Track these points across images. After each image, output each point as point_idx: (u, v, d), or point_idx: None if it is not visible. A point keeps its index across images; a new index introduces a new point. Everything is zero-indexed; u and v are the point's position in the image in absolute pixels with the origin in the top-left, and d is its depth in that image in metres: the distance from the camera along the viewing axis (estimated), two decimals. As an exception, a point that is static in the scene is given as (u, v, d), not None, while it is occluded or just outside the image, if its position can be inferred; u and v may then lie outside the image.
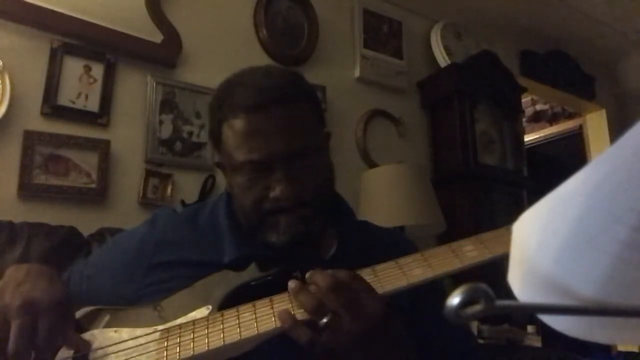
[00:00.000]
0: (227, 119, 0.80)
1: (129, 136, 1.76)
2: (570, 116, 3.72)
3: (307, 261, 0.81)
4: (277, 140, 0.77)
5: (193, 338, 0.68)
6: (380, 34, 2.48)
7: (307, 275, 0.65)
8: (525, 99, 3.45)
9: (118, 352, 0.70)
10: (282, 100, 0.79)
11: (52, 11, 1.65)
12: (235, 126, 0.79)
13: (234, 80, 0.84)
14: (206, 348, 0.66)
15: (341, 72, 2.34)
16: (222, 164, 0.86)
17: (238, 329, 0.66)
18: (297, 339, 0.62)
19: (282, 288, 0.68)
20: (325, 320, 0.60)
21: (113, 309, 0.77)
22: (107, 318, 0.76)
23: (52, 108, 1.63)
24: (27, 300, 0.65)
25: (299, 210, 0.78)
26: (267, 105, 0.77)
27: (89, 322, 0.76)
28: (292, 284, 0.66)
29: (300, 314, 0.65)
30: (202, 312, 0.71)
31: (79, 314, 0.76)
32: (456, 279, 0.64)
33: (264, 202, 0.78)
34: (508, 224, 0.35)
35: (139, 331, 0.72)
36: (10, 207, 1.50)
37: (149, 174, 1.74)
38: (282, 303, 0.67)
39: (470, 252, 0.67)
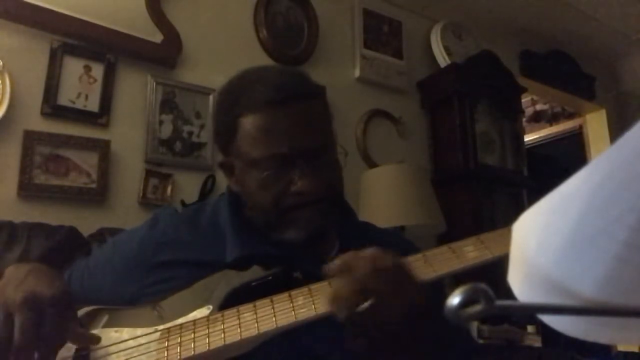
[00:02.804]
0: (245, 114, 0.79)
1: (129, 136, 1.76)
2: (570, 116, 3.72)
3: (309, 261, 0.81)
4: (300, 135, 0.77)
5: (194, 338, 0.68)
6: (380, 34, 2.48)
7: (345, 257, 0.63)
8: (525, 99, 3.45)
9: (119, 351, 0.70)
10: (302, 97, 0.80)
11: (52, 11, 1.65)
12: (255, 121, 0.78)
13: (247, 78, 0.83)
14: (207, 348, 0.66)
15: (341, 72, 2.34)
16: (230, 163, 0.85)
17: (239, 329, 0.66)
18: (336, 314, 0.61)
19: (283, 288, 0.69)
20: (366, 304, 0.59)
21: (112, 311, 0.77)
22: (106, 318, 0.75)
23: (52, 108, 1.63)
24: (31, 294, 0.65)
25: (317, 205, 0.78)
26: (288, 101, 0.78)
27: (88, 321, 0.76)
28: (331, 266, 0.63)
29: (320, 307, 0.64)
30: (202, 312, 0.71)
31: (79, 313, 0.76)
32: (456, 279, 0.64)
33: (284, 198, 0.78)
34: (508, 223, 0.35)
35: (139, 331, 0.72)
36: (10, 207, 1.50)
37: (149, 174, 1.74)
38: (282, 303, 0.67)
39: (470, 252, 0.67)
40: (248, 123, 0.79)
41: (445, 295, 0.25)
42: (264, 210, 0.81)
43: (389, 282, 0.61)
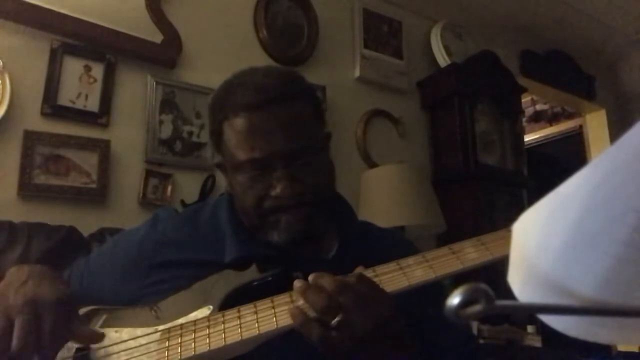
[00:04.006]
0: (228, 118, 0.80)
1: (129, 136, 1.76)
2: (570, 116, 3.72)
3: (308, 261, 0.81)
4: (278, 138, 0.77)
5: (194, 338, 0.68)
6: (380, 34, 2.48)
7: (311, 277, 0.64)
8: (525, 99, 3.45)
9: (119, 352, 0.70)
10: (282, 99, 0.79)
11: (52, 11, 1.65)
12: (236, 125, 0.79)
13: (234, 80, 0.84)
14: (207, 348, 0.66)
15: (341, 72, 2.34)
16: (223, 164, 0.87)
17: (239, 329, 0.66)
18: (308, 336, 0.62)
19: (283, 288, 0.69)
20: (337, 319, 0.60)
21: (110, 310, 0.77)
22: (104, 318, 0.75)
23: (52, 108, 1.63)
24: (30, 298, 0.65)
25: (299, 209, 0.78)
26: (267, 104, 0.78)
27: (86, 322, 0.75)
28: (297, 283, 0.65)
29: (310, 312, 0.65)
30: (203, 312, 0.71)
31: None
32: (456, 279, 0.64)
33: (265, 201, 0.79)
34: (508, 224, 0.35)
35: (139, 331, 0.72)
36: (10, 207, 1.50)
37: (149, 174, 1.74)
38: (283, 303, 0.67)
39: (471, 253, 0.67)
40: (230, 127, 0.80)
41: (445, 296, 0.25)
42: (247, 212, 0.81)
43: (354, 295, 0.61)
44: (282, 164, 0.77)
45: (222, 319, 0.69)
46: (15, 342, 0.62)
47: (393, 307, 0.63)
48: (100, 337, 0.70)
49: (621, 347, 2.72)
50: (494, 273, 0.56)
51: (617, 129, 3.38)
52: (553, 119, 3.85)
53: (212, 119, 0.85)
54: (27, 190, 1.54)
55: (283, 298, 0.68)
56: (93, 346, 0.71)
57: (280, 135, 0.77)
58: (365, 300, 0.62)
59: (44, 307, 0.65)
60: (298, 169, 0.78)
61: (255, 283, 0.73)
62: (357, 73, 2.37)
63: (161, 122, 1.82)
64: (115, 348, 0.71)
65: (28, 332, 0.63)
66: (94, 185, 1.64)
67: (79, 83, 1.69)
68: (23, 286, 0.67)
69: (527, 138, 3.51)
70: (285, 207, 0.78)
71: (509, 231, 0.32)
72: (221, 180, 1.82)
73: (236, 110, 0.79)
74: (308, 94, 0.85)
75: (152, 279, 0.81)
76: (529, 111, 3.86)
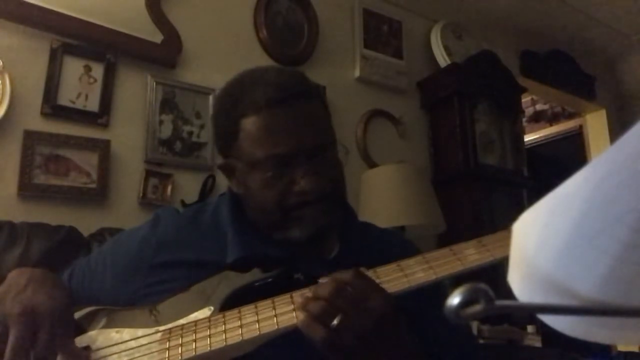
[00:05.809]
0: (247, 115, 0.79)
1: (129, 136, 1.76)
2: (570, 116, 3.72)
3: (309, 262, 0.81)
4: (302, 133, 0.78)
5: (195, 339, 0.68)
6: (380, 34, 2.48)
7: (308, 292, 0.64)
8: (525, 99, 3.45)
9: (120, 352, 0.70)
10: (302, 96, 0.80)
11: (52, 11, 1.65)
12: (257, 122, 0.79)
13: (246, 79, 0.84)
14: (208, 349, 0.66)
15: (341, 72, 2.34)
16: (231, 165, 0.85)
17: (240, 330, 0.66)
18: (311, 337, 0.62)
19: (284, 289, 0.69)
20: (335, 322, 0.60)
21: (110, 312, 0.77)
22: (104, 318, 0.75)
23: (52, 108, 1.63)
24: (27, 309, 0.65)
25: (322, 203, 0.78)
26: (288, 101, 0.78)
27: (87, 323, 0.75)
28: (298, 298, 0.66)
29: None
30: (204, 312, 0.71)
31: (78, 314, 0.76)
32: (456, 279, 0.64)
33: (288, 197, 0.78)
34: (508, 224, 0.35)
35: (140, 331, 0.72)
36: (10, 207, 1.50)
37: (149, 174, 1.74)
38: (284, 304, 0.67)
39: (471, 254, 0.67)
40: (250, 124, 0.79)
41: (445, 296, 0.26)
42: (268, 210, 0.80)
43: (350, 297, 0.62)
44: (305, 159, 0.77)
45: (223, 319, 0.69)
46: (8, 352, 0.62)
47: (390, 302, 0.63)
48: (86, 357, 0.70)
49: (621, 347, 2.72)
50: (494, 273, 0.56)
51: (617, 129, 3.38)
52: (553, 119, 3.84)
53: (223, 119, 0.84)
54: (27, 190, 1.54)
55: (284, 299, 0.68)
56: (94, 346, 0.71)
57: (304, 131, 0.78)
58: (362, 300, 0.62)
59: (41, 318, 0.65)
60: (319, 164, 0.79)
61: (257, 284, 0.73)
62: (357, 73, 2.37)
63: (161, 122, 1.82)
64: (116, 348, 0.71)
65: (22, 344, 0.63)
66: (94, 185, 1.64)
67: (79, 83, 1.69)
68: (21, 293, 0.67)
69: (527, 138, 3.50)
70: (309, 202, 0.78)
71: (509, 231, 0.32)
72: (221, 180, 1.82)
73: (257, 107, 0.78)
74: (320, 93, 0.87)
75: (153, 279, 0.81)
76: (529, 111, 3.86)
